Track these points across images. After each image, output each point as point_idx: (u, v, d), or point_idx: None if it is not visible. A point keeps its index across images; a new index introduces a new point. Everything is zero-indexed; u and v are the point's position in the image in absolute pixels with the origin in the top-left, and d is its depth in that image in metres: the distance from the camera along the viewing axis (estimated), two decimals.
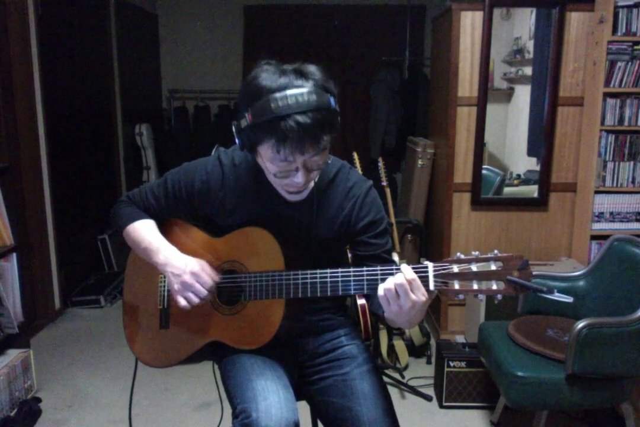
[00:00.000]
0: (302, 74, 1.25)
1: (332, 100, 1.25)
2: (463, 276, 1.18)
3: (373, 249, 1.47)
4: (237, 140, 1.32)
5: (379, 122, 5.35)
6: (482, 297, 1.19)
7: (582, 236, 3.09)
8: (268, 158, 1.28)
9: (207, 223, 1.56)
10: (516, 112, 3.33)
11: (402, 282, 1.18)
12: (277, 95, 1.20)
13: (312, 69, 1.27)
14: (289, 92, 1.20)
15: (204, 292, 1.39)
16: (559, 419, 2.55)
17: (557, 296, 1.16)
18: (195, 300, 1.39)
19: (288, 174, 1.30)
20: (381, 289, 1.21)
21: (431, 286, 1.20)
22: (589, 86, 3.00)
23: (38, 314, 3.55)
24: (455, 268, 1.19)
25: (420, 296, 1.19)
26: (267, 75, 1.24)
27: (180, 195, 1.50)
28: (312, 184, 1.42)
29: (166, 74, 5.79)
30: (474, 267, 1.18)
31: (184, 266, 1.40)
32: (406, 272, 1.19)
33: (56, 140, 3.74)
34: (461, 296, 1.19)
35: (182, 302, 1.40)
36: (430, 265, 1.21)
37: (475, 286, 1.18)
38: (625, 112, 2.90)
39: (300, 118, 1.19)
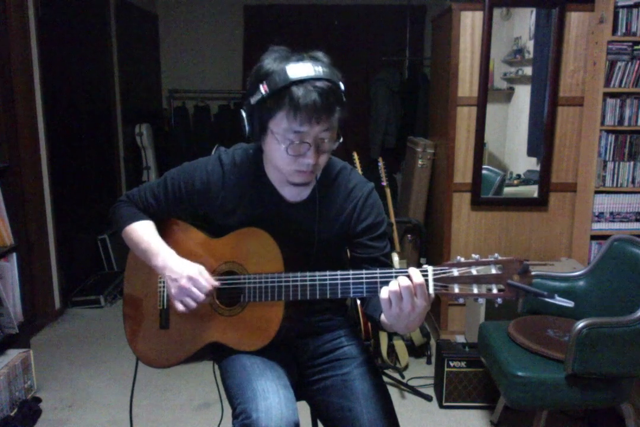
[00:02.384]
0: (312, 57, 1.30)
1: (340, 83, 1.29)
2: (463, 280, 1.17)
3: (371, 251, 1.46)
4: (246, 125, 1.33)
5: (379, 122, 5.35)
6: (481, 300, 1.19)
7: (582, 236, 3.09)
8: (281, 131, 1.28)
9: (207, 223, 1.55)
10: (516, 112, 3.33)
11: (409, 285, 1.17)
12: (293, 64, 1.25)
13: (320, 54, 1.32)
14: (304, 63, 1.26)
15: (201, 297, 1.39)
16: (559, 419, 2.55)
17: (558, 301, 1.15)
18: (193, 304, 1.39)
19: (299, 150, 1.29)
20: (385, 292, 1.19)
21: (431, 290, 1.19)
22: (589, 86, 3.00)
23: (38, 314, 3.55)
24: (455, 272, 1.18)
25: (422, 300, 1.19)
26: (278, 55, 1.29)
27: (180, 195, 1.50)
28: (313, 182, 1.42)
29: (166, 74, 5.79)
30: (474, 271, 1.17)
31: (181, 271, 1.40)
32: (415, 276, 1.18)
33: (56, 140, 3.73)
34: (461, 300, 1.18)
35: (180, 306, 1.40)
36: (430, 269, 1.20)
37: (475, 290, 1.17)
38: (625, 112, 2.90)
39: (317, 84, 1.23)
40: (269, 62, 1.28)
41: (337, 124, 1.30)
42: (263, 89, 1.26)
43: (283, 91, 1.23)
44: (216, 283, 1.42)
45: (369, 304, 1.45)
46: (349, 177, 1.48)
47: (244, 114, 1.33)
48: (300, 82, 1.22)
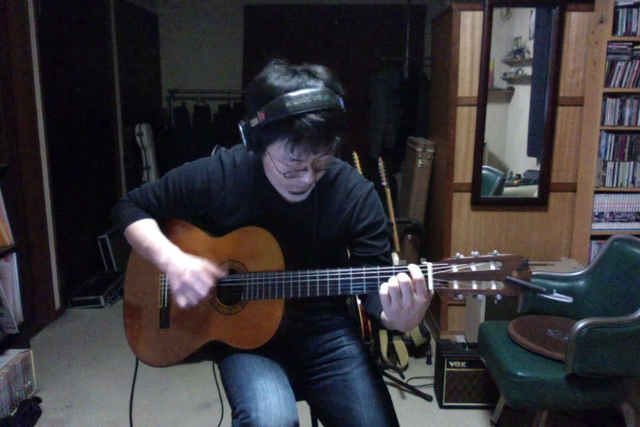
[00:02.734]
0: (312, 74, 1.26)
1: (341, 101, 1.27)
2: (462, 276, 1.18)
3: (371, 251, 1.47)
4: (244, 140, 1.32)
5: (379, 122, 5.35)
6: (481, 297, 1.19)
7: (582, 236, 3.08)
8: (279, 157, 1.28)
9: (208, 223, 1.56)
10: (516, 112, 3.33)
11: (408, 281, 1.18)
12: (292, 94, 1.22)
13: (320, 69, 1.29)
14: (303, 91, 1.22)
15: (203, 293, 1.38)
16: (559, 419, 2.55)
17: (556, 297, 1.15)
18: (195, 300, 1.39)
19: (296, 173, 1.30)
20: (385, 288, 1.20)
21: (430, 286, 1.20)
22: (589, 86, 3.00)
23: (38, 314, 3.55)
24: (455, 268, 1.19)
25: (422, 297, 1.19)
26: (278, 75, 1.26)
27: (180, 195, 1.50)
28: (313, 184, 1.42)
29: (166, 74, 5.79)
30: (474, 268, 1.18)
31: (184, 266, 1.40)
32: (415, 272, 1.19)
33: (56, 140, 3.73)
34: (460, 296, 1.19)
35: (182, 302, 1.40)
36: (429, 265, 1.21)
37: (474, 286, 1.17)
38: (625, 112, 2.90)
39: (315, 117, 1.20)
40: (269, 83, 1.25)
41: (336, 146, 1.30)
42: (261, 116, 1.24)
43: (281, 123, 1.22)
44: (223, 274, 1.42)
45: (369, 303, 1.45)
46: (348, 177, 1.49)
47: (241, 129, 1.32)
48: (299, 115, 1.20)
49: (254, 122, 1.27)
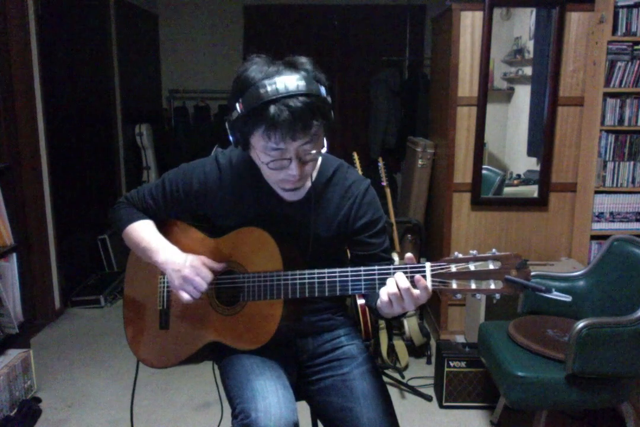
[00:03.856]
0: (292, 65, 1.26)
1: (322, 89, 1.26)
2: (461, 276, 1.18)
3: (372, 248, 1.47)
4: (230, 137, 1.33)
5: (379, 122, 5.35)
6: (480, 296, 1.19)
7: (582, 236, 3.08)
8: (260, 148, 1.28)
9: (206, 223, 1.56)
10: (516, 112, 3.33)
11: (408, 287, 1.19)
12: (267, 81, 1.21)
13: (302, 60, 1.28)
14: (278, 78, 1.22)
15: (204, 285, 1.39)
16: (559, 419, 2.55)
17: (555, 295, 1.15)
18: (197, 293, 1.40)
19: (281, 164, 1.29)
20: (385, 295, 1.21)
21: (429, 286, 1.20)
22: (589, 86, 3.00)
23: (38, 314, 3.55)
24: (453, 268, 1.18)
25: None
26: (256, 67, 1.26)
27: (178, 196, 1.50)
28: (309, 183, 1.42)
29: (166, 74, 5.79)
30: (472, 267, 1.17)
31: (183, 261, 1.41)
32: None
33: (56, 140, 3.73)
34: (459, 296, 1.19)
35: (185, 296, 1.40)
36: (427, 265, 1.21)
37: (473, 286, 1.17)
38: (625, 112, 2.89)
39: (290, 102, 1.19)
40: (245, 76, 1.25)
41: (322, 133, 1.29)
42: (239, 107, 1.25)
43: (257, 111, 1.21)
44: (221, 267, 1.43)
45: (367, 297, 1.47)
46: (345, 175, 1.48)
47: (227, 126, 1.32)
48: (274, 101, 1.19)
49: (235, 115, 1.27)
